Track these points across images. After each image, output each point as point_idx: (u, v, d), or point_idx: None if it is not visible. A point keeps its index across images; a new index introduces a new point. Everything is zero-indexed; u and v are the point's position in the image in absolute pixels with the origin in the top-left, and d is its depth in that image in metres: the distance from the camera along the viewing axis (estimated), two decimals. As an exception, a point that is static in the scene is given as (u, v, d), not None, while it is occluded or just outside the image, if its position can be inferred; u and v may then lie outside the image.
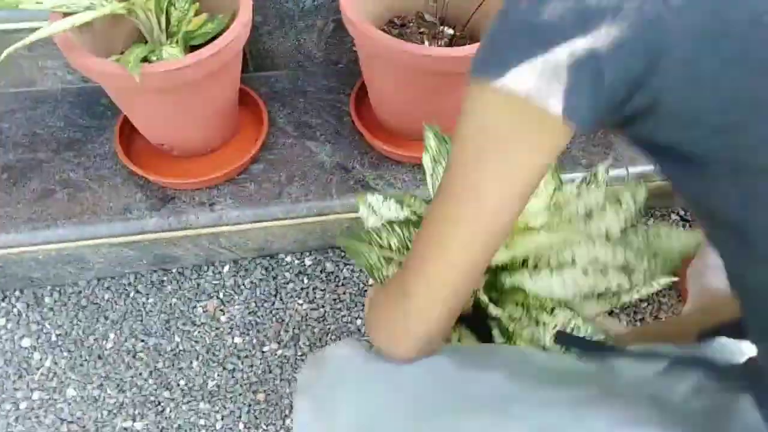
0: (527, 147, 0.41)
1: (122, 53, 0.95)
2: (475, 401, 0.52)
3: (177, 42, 0.97)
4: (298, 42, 1.23)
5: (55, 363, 1.07)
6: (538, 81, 0.37)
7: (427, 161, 0.78)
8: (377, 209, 0.86)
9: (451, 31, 1.08)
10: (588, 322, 0.70)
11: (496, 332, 0.80)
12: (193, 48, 0.95)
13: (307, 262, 1.18)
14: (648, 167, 1.17)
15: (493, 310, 0.69)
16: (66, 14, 0.90)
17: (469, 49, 0.91)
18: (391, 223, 0.75)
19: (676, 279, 0.80)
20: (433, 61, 0.91)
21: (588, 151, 1.18)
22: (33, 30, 1.05)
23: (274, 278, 1.16)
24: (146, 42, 1.00)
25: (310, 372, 0.61)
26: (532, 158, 0.41)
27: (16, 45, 0.80)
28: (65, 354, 1.07)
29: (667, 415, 0.48)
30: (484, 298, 0.69)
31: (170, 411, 1.03)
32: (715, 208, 0.40)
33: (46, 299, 1.13)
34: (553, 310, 0.74)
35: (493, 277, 0.76)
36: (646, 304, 1.18)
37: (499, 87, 0.38)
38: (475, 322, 0.85)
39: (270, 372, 1.07)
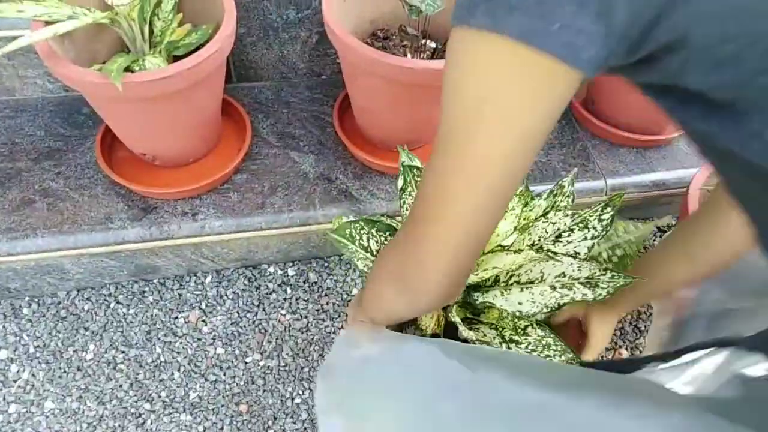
0: (527, 96, 0.35)
1: (104, 63, 0.95)
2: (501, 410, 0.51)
3: (160, 52, 0.97)
4: (281, 53, 1.24)
5: (33, 375, 1.05)
6: (530, 20, 0.32)
7: (399, 184, 0.79)
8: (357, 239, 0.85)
9: (433, 45, 1.10)
10: (559, 341, 0.71)
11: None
12: (177, 58, 0.96)
13: (290, 272, 1.18)
14: (626, 179, 1.19)
15: (464, 332, 0.69)
16: (48, 23, 0.90)
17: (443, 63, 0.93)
18: (368, 222, 0.75)
19: (636, 278, 0.81)
20: (415, 74, 0.92)
21: (567, 163, 1.20)
22: (13, 39, 1.05)
23: (257, 288, 1.16)
24: (129, 52, 1.00)
25: (331, 385, 0.60)
26: (534, 107, 0.36)
27: (9, 46, 0.79)
28: (43, 366, 1.06)
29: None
30: (457, 319, 0.70)
31: (151, 423, 1.02)
32: (753, 159, 0.34)
33: (24, 310, 1.11)
34: (525, 328, 0.75)
35: (466, 296, 0.77)
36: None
37: (486, 31, 0.33)
38: (451, 337, 0.86)
39: (253, 383, 1.06)
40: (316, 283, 1.18)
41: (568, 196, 0.80)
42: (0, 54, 0.81)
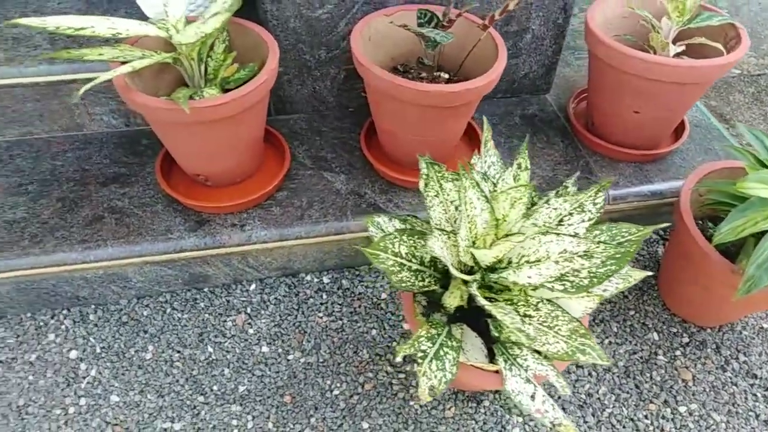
0: None
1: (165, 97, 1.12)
2: None
3: (214, 86, 1.14)
4: (314, 89, 1.41)
5: (100, 373, 1.18)
6: None
7: (421, 185, 0.92)
8: (385, 228, 1.00)
9: (446, 75, 1.26)
10: (566, 313, 0.82)
11: (492, 327, 0.92)
12: (227, 92, 1.12)
13: (325, 280, 1.32)
14: (626, 190, 1.32)
15: (487, 306, 0.81)
16: (123, 63, 1.07)
17: (458, 87, 1.08)
18: (401, 231, 0.88)
19: (650, 273, 0.94)
20: (431, 96, 1.07)
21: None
22: (89, 80, 1.24)
23: (296, 294, 1.29)
24: (187, 87, 1.17)
25: None
26: None
27: (87, 86, 0.96)
28: (108, 364, 1.19)
29: None
30: (481, 298, 0.81)
31: (205, 413, 1.13)
32: None
33: (91, 316, 1.25)
34: (537, 304, 0.87)
35: (486, 278, 0.89)
36: (633, 312, 1.31)
37: None
38: (473, 319, 0.98)
39: (295, 377, 1.18)
40: (348, 289, 1.30)
41: (569, 196, 0.93)
42: (89, 86, 0.97)
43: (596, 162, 1.38)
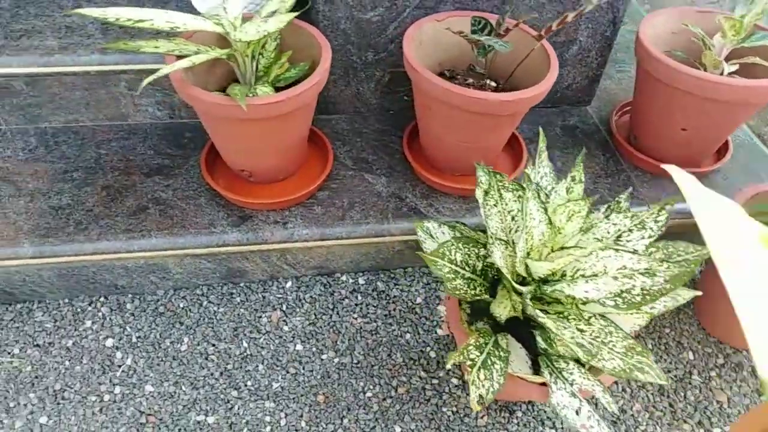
0: None
1: (214, 91, 1.13)
2: None
3: (267, 84, 1.14)
4: (357, 90, 1.41)
5: (135, 362, 1.18)
6: None
7: (478, 193, 0.92)
8: (434, 234, 1.00)
9: (493, 84, 1.26)
10: (620, 330, 0.81)
11: (539, 339, 0.92)
12: (277, 89, 1.13)
13: (361, 281, 1.32)
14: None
15: (541, 318, 0.81)
16: (178, 57, 1.08)
17: (511, 96, 1.08)
18: (457, 239, 0.89)
19: (699, 293, 0.93)
20: (484, 104, 1.07)
21: (613, 191, 1.33)
22: (139, 71, 1.25)
23: (332, 294, 1.29)
24: (237, 82, 1.18)
25: None
26: None
27: (149, 78, 0.96)
28: (144, 354, 1.19)
29: None
30: (535, 310, 0.81)
31: (239, 408, 1.13)
32: None
33: (128, 305, 1.26)
34: (589, 319, 0.86)
35: (538, 290, 0.89)
36: (669, 330, 1.30)
37: None
38: (519, 331, 0.98)
39: (329, 377, 1.18)
40: (383, 291, 1.31)
41: (624, 212, 0.92)
42: (152, 78, 0.97)
43: (638, 177, 1.37)
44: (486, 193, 0.85)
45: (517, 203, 0.83)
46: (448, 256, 0.84)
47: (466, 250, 0.85)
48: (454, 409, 1.14)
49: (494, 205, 0.85)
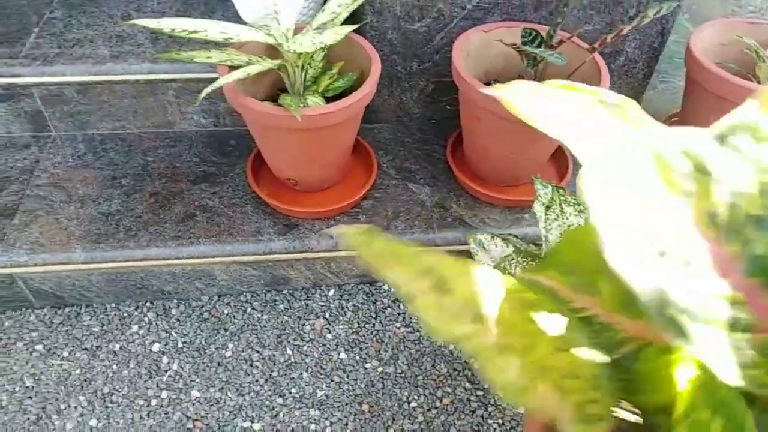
0: None
1: (263, 101, 1.14)
2: None
3: (316, 94, 1.15)
4: (401, 100, 1.42)
5: (181, 367, 1.20)
6: None
7: (537, 207, 0.92)
8: (486, 246, 1.00)
9: (540, 94, 1.25)
10: None
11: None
12: (326, 99, 1.13)
13: (403, 290, 1.32)
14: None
15: None
16: (231, 67, 1.09)
17: (565, 107, 1.07)
18: (517, 252, 0.88)
19: None
20: (536, 115, 1.07)
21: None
22: (186, 80, 1.26)
23: (374, 303, 1.29)
24: (286, 92, 1.19)
25: None
26: None
27: (208, 88, 0.97)
28: (189, 359, 1.21)
29: None
30: None
31: (284, 415, 1.14)
32: None
33: (173, 311, 1.27)
34: None
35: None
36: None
37: None
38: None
39: (373, 386, 1.18)
40: (426, 301, 1.30)
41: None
42: (211, 89, 0.98)
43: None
44: (548, 207, 0.85)
45: (577, 217, 0.82)
46: (508, 270, 0.84)
47: (525, 263, 0.85)
48: (500, 421, 1.14)
49: (555, 219, 0.84)
